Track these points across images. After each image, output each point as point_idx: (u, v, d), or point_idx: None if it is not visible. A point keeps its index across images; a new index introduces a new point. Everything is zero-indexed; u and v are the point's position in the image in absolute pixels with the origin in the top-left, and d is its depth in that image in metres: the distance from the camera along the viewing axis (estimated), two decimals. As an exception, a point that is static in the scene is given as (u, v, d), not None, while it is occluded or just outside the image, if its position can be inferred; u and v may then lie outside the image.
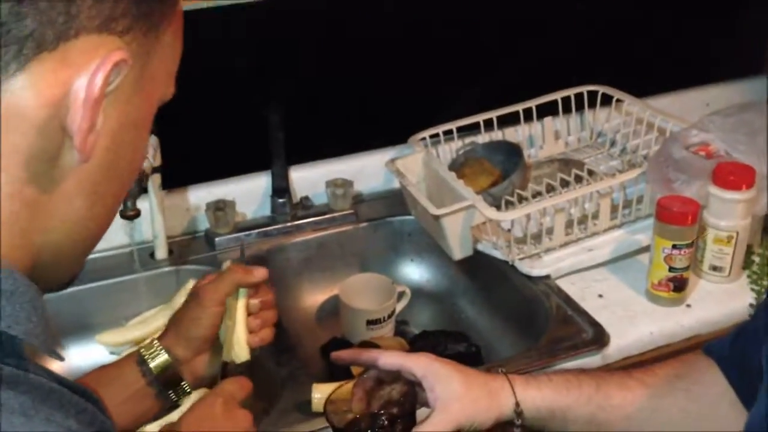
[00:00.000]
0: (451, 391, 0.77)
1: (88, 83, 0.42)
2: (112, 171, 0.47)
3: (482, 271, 1.25)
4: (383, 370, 0.81)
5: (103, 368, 0.81)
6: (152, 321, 1.16)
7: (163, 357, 0.80)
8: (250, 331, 0.83)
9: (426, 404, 0.79)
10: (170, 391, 0.81)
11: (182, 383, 0.81)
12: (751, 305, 1.10)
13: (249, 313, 0.83)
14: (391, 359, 0.81)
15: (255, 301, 0.83)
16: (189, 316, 0.82)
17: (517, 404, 0.77)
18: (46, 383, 0.41)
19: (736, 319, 1.10)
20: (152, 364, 0.79)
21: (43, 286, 0.45)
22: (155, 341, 0.82)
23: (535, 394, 0.78)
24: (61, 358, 0.46)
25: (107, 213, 0.50)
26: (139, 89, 0.47)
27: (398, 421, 0.76)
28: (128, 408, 0.78)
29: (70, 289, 1.15)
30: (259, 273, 0.83)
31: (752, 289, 1.12)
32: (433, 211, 1.15)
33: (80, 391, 0.43)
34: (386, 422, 0.76)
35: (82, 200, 0.46)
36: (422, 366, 0.79)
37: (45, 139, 0.43)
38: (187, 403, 0.82)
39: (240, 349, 0.82)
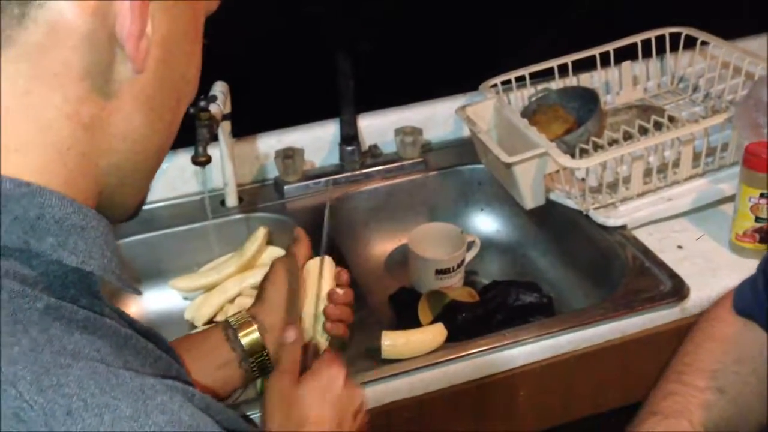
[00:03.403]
0: None
1: None
2: (166, 83, 0.46)
3: (554, 221, 1.22)
4: None
5: (189, 336, 0.81)
6: (223, 268, 1.17)
7: (252, 327, 0.78)
8: (329, 320, 0.80)
9: None
10: (254, 360, 0.78)
11: (265, 352, 0.79)
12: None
13: (331, 302, 0.81)
14: None
15: (341, 290, 0.81)
16: (272, 282, 0.81)
17: None
18: (122, 329, 0.40)
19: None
20: (240, 334, 0.78)
21: (110, 216, 0.44)
22: (243, 311, 0.80)
23: None
24: (139, 292, 0.45)
25: (167, 129, 0.48)
26: None
27: None
28: (215, 377, 0.76)
29: (143, 235, 1.20)
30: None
31: None
32: (505, 158, 1.12)
33: (152, 336, 0.43)
34: None
35: (141, 116, 0.45)
36: None
37: (96, 51, 0.41)
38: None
39: (316, 338, 0.80)
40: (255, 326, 0.78)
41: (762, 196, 1.00)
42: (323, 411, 0.67)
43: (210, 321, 1.14)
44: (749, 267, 1.04)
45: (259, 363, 0.78)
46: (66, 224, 0.40)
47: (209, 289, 1.16)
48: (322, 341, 0.81)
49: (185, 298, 1.19)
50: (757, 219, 1.02)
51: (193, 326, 1.14)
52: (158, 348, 0.43)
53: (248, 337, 0.78)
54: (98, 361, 0.37)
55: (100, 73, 0.42)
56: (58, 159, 0.41)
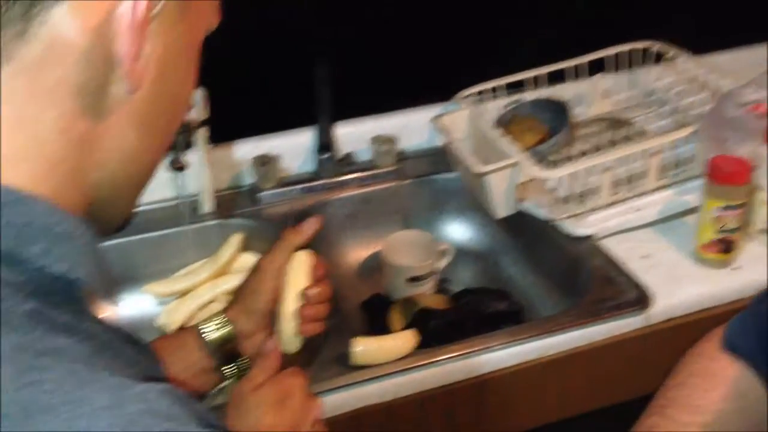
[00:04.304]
0: None
1: (133, 7, 0.41)
2: (161, 101, 0.46)
3: (525, 231, 1.24)
4: None
5: (164, 338, 0.82)
6: (198, 273, 1.18)
7: (226, 329, 0.79)
8: (303, 321, 0.81)
9: None
10: (230, 366, 0.79)
11: (243, 358, 0.80)
12: (801, 269, 1.07)
13: (306, 303, 0.81)
14: None
15: (314, 291, 0.81)
16: (249, 288, 0.81)
17: None
18: (102, 333, 0.41)
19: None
20: (214, 336, 0.78)
21: (98, 228, 0.45)
22: (219, 313, 0.81)
23: None
24: (116, 303, 0.46)
25: (159, 145, 0.49)
26: (183, 15, 0.46)
27: None
28: (188, 378, 0.77)
29: (118, 240, 1.20)
30: (309, 225, 0.83)
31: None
32: (477, 168, 1.14)
33: (133, 341, 0.44)
34: None
35: (135, 132, 0.46)
36: None
37: (93, 67, 0.42)
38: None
39: (289, 338, 0.81)
40: (231, 327, 0.79)
41: (724, 207, 1.03)
42: (278, 419, 0.68)
43: (183, 326, 1.14)
44: (712, 277, 1.08)
45: (239, 367, 0.79)
46: (53, 232, 0.41)
47: (183, 294, 1.17)
48: (296, 341, 0.81)
49: (159, 303, 1.20)
50: (720, 230, 1.05)
51: (166, 331, 1.15)
52: (140, 353, 0.44)
53: (220, 331, 0.78)
54: (78, 362, 0.37)
55: (96, 90, 0.43)
56: (49, 170, 0.42)
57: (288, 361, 0.76)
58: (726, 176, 1.02)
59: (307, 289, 0.81)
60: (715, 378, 0.72)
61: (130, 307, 1.19)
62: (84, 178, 0.44)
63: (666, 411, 0.72)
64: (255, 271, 0.83)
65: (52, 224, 0.41)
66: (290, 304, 0.81)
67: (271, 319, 0.81)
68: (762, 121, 1.09)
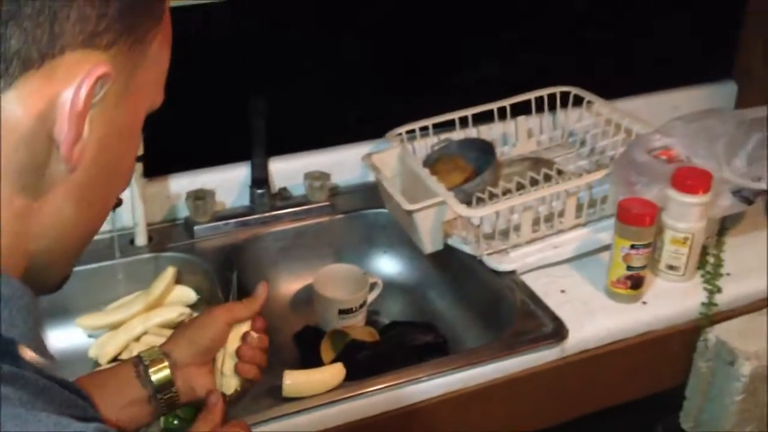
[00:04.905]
0: None
1: (73, 97, 0.44)
2: (99, 179, 0.48)
3: (452, 265, 1.29)
4: None
5: (100, 372, 0.83)
6: (130, 306, 1.19)
7: (163, 364, 0.79)
8: (242, 360, 0.82)
9: None
10: (163, 396, 0.79)
11: (174, 389, 0.80)
12: (703, 304, 1.16)
13: (245, 344, 0.83)
14: None
15: (255, 335, 0.83)
16: (197, 323, 0.83)
17: None
18: (40, 380, 0.43)
19: (690, 317, 1.16)
20: (150, 370, 0.79)
21: (36, 289, 0.47)
22: (155, 347, 0.82)
23: None
24: (52, 359, 0.49)
25: (96, 217, 0.51)
26: (125, 99, 0.48)
27: None
28: (124, 413, 0.77)
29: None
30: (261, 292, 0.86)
31: (705, 288, 1.18)
32: (406, 206, 1.19)
33: (70, 387, 0.46)
34: None
35: (71, 207, 0.48)
36: None
37: (33, 150, 0.44)
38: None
39: (228, 379, 0.82)
40: (166, 363, 0.79)
41: (633, 247, 1.11)
42: None
43: (114, 359, 1.15)
44: (623, 311, 1.15)
45: (167, 399, 0.80)
46: None
47: (115, 327, 1.18)
48: (233, 382, 0.83)
49: (90, 336, 1.20)
50: (629, 267, 1.12)
51: (98, 364, 1.15)
52: (76, 396, 0.46)
53: (159, 373, 0.79)
54: (19, 406, 0.40)
55: (35, 170, 0.45)
56: None
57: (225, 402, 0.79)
58: (634, 218, 1.10)
59: (247, 332, 0.84)
60: None
61: (62, 340, 1.19)
62: (23, 248, 0.47)
63: None
64: (208, 313, 0.84)
65: None
66: (230, 344, 0.83)
67: (209, 358, 0.83)
68: (668, 166, 1.18)
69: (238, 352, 0.83)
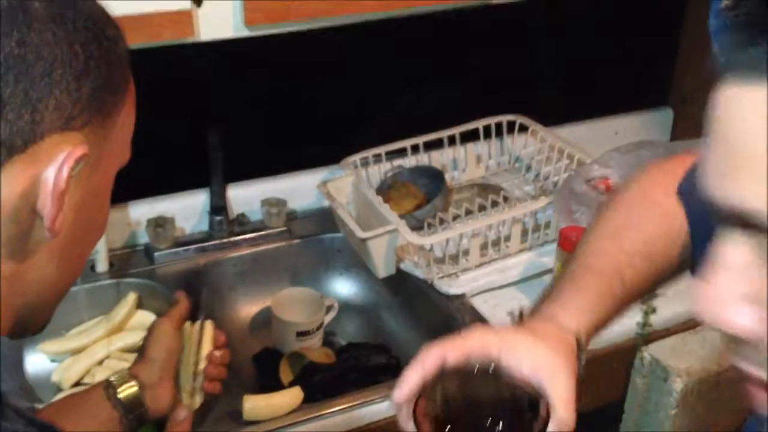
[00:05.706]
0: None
1: (56, 177, 0.48)
2: (78, 234, 0.53)
3: (405, 288, 1.35)
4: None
5: (72, 397, 0.88)
6: (92, 331, 1.22)
7: (131, 383, 0.86)
8: (207, 379, 0.91)
9: None
10: (133, 415, 0.85)
11: (143, 408, 0.86)
12: (638, 323, 1.24)
13: (210, 363, 0.93)
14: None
15: (219, 353, 0.93)
16: (149, 341, 0.91)
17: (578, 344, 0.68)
18: (21, 428, 0.48)
19: (625, 337, 1.24)
20: (119, 389, 0.85)
21: (20, 335, 0.52)
22: (125, 370, 0.88)
23: (592, 327, 0.71)
24: (35, 409, 0.53)
25: (75, 270, 0.56)
26: (98, 167, 0.52)
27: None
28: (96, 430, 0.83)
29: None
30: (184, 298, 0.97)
31: (641, 309, 1.26)
32: (360, 234, 1.25)
33: (47, 428, 0.50)
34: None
35: (53, 266, 0.52)
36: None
37: (18, 222, 0.48)
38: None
39: (192, 396, 0.90)
40: (134, 382, 0.86)
41: (573, 272, 1.18)
42: None
43: (77, 383, 1.18)
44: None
45: (137, 417, 0.86)
46: None
47: (78, 352, 1.21)
48: (198, 398, 0.91)
49: (52, 361, 1.23)
50: (570, 291, 1.20)
51: (60, 389, 1.18)
52: None
53: (127, 392, 0.85)
54: None
55: (22, 238, 0.49)
56: None
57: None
58: (573, 245, 1.17)
59: (211, 351, 0.92)
60: (661, 214, 0.76)
61: (26, 365, 1.21)
62: (10, 305, 0.51)
63: (616, 237, 0.76)
64: (153, 328, 0.92)
65: None
66: (194, 364, 0.91)
67: (171, 370, 0.90)
68: (604, 195, 1.26)
69: (205, 371, 0.91)
